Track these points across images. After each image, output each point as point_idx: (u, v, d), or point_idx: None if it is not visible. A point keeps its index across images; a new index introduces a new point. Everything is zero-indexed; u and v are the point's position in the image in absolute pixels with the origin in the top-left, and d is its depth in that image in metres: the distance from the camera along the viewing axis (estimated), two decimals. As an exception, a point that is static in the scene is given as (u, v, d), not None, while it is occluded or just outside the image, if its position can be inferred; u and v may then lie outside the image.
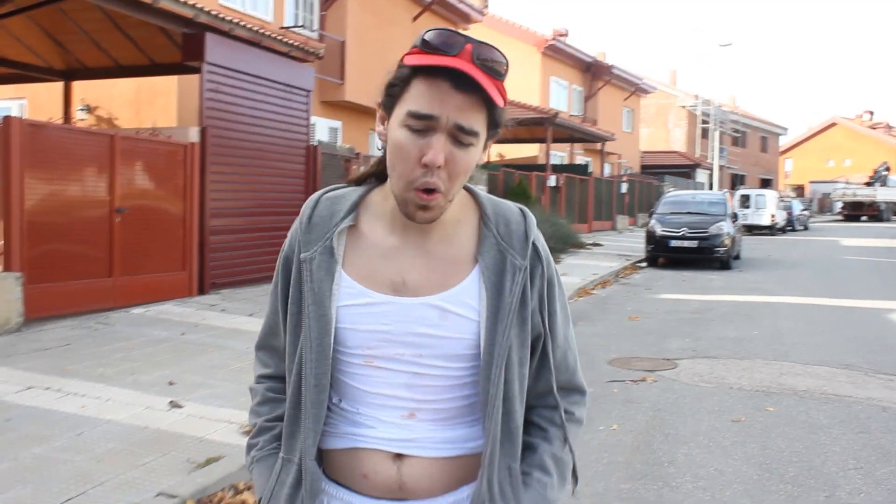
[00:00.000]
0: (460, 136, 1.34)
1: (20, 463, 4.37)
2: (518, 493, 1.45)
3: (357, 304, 1.43)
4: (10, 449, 4.57)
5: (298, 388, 1.45)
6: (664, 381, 7.17)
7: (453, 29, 1.35)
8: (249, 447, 1.59)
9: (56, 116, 14.02)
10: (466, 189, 1.50)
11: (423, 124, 1.33)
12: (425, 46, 1.34)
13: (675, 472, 4.81)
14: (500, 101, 1.36)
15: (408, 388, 1.43)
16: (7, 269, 7.84)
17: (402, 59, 1.39)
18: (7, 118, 7.84)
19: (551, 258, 1.53)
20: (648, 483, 4.60)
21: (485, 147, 1.43)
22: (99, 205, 8.99)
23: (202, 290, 10.62)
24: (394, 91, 1.38)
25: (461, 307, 1.42)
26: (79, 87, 14.88)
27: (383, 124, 1.43)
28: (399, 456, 1.43)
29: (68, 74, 14.35)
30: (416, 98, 1.34)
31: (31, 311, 8.01)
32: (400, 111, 1.36)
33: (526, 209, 1.53)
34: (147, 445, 4.73)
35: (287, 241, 1.53)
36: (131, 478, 4.21)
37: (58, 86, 14.66)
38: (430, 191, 1.35)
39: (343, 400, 1.48)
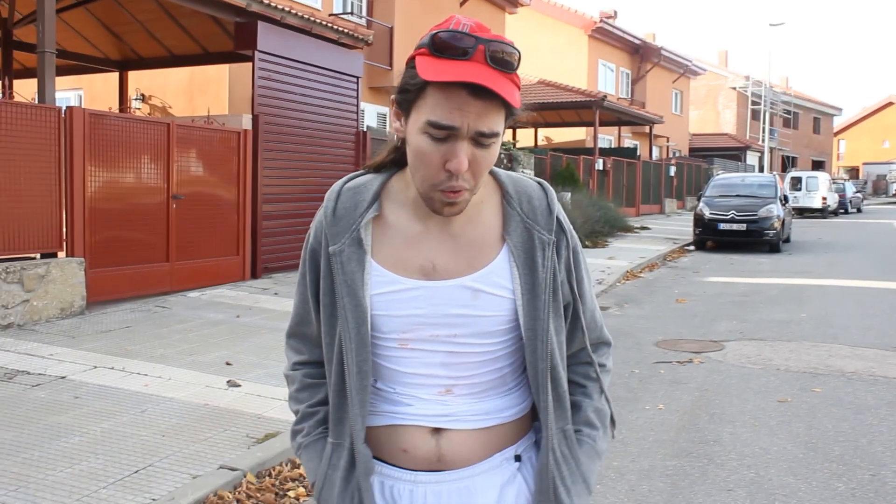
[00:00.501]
0: (482, 140, 1.35)
1: (91, 437, 4.61)
2: (575, 452, 1.53)
3: (389, 292, 1.45)
4: (80, 423, 4.83)
5: (341, 377, 1.49)
6: (711, 362, 7.22)
7: (463, 31, 1.34)
8: (294, 433, 1.62)
9: (112, 106, 14.41)
10: None
11: (443, 133, 1.33)
12: (435, 49, 1.33)
13: (720, 450, 4.89)
14: (516, 102, 1.36)
15: (444, 366, 1.47)
16: (70, 254, 8.17)
17: (411, 58, 1.38)
18: (70, 108, 8.14)
19: (571, 227, 1.57)
20: (693, 460, 4.69)
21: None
22: (156, 191, 9.28)
23: (255, 275, 10.89)
24: (408, 96, 1.38)
25: (493, 287, 1.45)
26: (133, 76, 15.28)
27: (399, 120, 1.43)
28: (437, 430, 1.47)
29: (124, 65, 14.74)
30: (434, 108, 1.33)
31: (93, 294, 8.33)
32: (418, 118, 1.36)
33: (545, 183, 1.56)
34: (208, 421, 4.95)
35: (312, 232, 1.55)
36: (194, 451, 4.43)
37: (113, 76, 15.06)
38: (455, 191, 1.38)
39: (378, 381, 1.52)
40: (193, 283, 9.77)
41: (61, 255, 8.15)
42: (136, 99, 16.20)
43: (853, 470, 4.56)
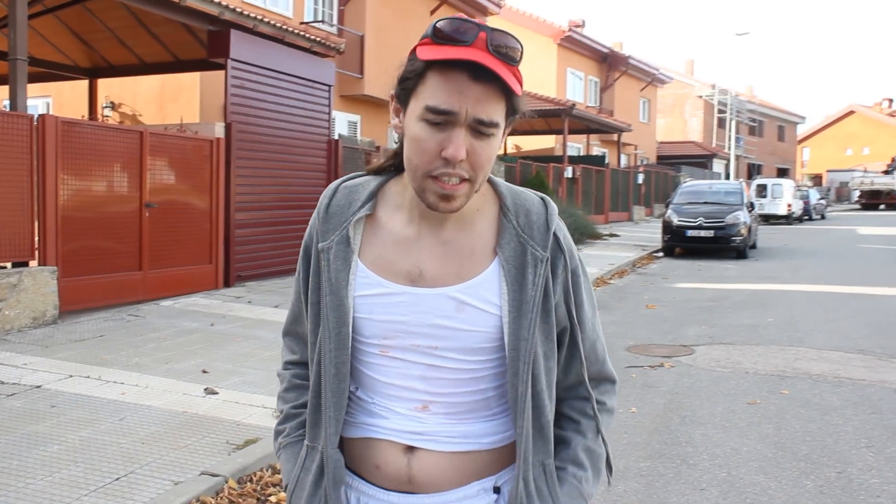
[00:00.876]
0: (480, 128, 1.31)
1: (69, 445, 4.61)
2: (554, 490, 1.43)
3: (373, 294, 1.41)
4: (58, 432, 4.83)
5: (319, 377, 1.45)
6: (681, 366, 7.36)
7: (465, 17, 1.32)
8: (277, 433, 1.60)
9: (83, 114, 14.31)
10: (487, 179, 1.47)
11: (441, 118, 1.30)
12: (437, 37, 1.31)
13: (693, 451, 5.00)
14: (518, 90, 1.33)
15: (422, 379, 1.42)
16: (42, 263, 8.12)
17: (413, 51, 1.36)
18: (43, 116, 8.10)
19: (574, 247, 1.50)
20: (667, 461, 4.80)
21: (503, 134, 1.40)
22: (129, 200, 9.25)
23: (228, 283, 10.88)
24: (408, 84, 1.35)
25: (479, 300, 1.39)
26: (103, 84, 15.17)
27: (398, 117, 1.40)
28: (410, 448, 1.42)
29: (93, 72, 14.63)
30: (433, 92, 1.30)
31: (66, 303, 8.29)
32: (416, 105, 1.33)
33: (548, 198, 1.50)
34: (187, 429, 4.97)
35: (307, 230, 1.53)
36: (174, 458, 4.45)
37: (82, 84, 14.95)
38: (453, 183, 1.33)
39: (359, 389, 1.48)
40: (166, 292, 9.74)
41: (33, 264, 8.09)
42: (105, 106, 16.08)
43: (821, 468, 4.69)
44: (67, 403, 5.42)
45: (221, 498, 4.02)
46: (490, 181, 1.48)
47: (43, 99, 17.16)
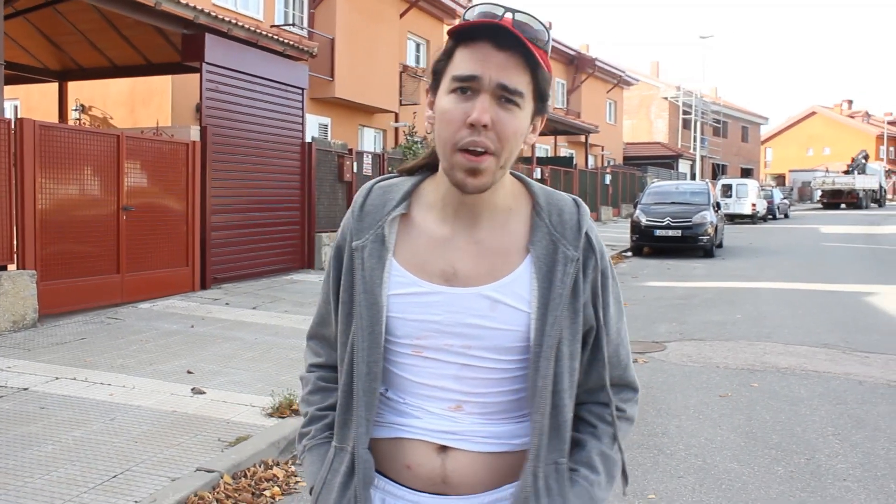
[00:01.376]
0: (505, 94, 1.33)
1: (63, 445, 4.70)
2: (564, 490, 1.41)
3: (407, 294, 1.42)
4: (51, 433, 4.90)
5: (350, 377, 1.45)
6: (654, 362, 7.58)
7: (496, 2, 1.36)
8: (301, 436, 1.59)
9: (51, 117, 14.24)
10: (519, 179, 1.51)
11: (466, 85, 1.33)
12: (466, 17, 1.36)
13: (669, 441, 5.21)
14: (541, 61, 1.35)
15: (456, 379, 1.42)
16: (21, 266, 8.14)
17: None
18: (21, 120, 8.13)
19: (605, 250, 1.50)
20: (645, 451, 4.99)
21: (533, 121, 1.43)
22: (107, 203, 9.29)
23: (204, 285, 10.94)
24: (438, 66, 1.39)
25: (512, 298, 1.40)
26: (73, 87, 15.10)
27: (431, 109, 1.42)
28: (444, 448, 1.41)
29: (63, 75, 14.58)
30: (459, 63, 1.35)
31: (45, 307, 8.31)
32: (445, 81, 1.37)
33: (580, 200, 1.50)
34: (178, 427, 5.07)
35: (339, 230, 1.53)
36: (169, 456, 4.56)
37: (51, 86, 14.88)
38: (478, 153, 1.33)
39: (390, 389, 1.47)
40: (144, 295, 9.79)
41: (12, 267, 8.11)
42: (75, 109, 16.01)
43: (790, 455, 4.92)
44: (56, 405, 5.49)
45: (218, 493, 4.14)
46: (523, 181, 1.52)
47: (10, 102, 17.01)
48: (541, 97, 1.40)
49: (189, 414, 5.35)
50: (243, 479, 4.36)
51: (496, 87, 1.32)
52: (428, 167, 1.52)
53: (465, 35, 1.35)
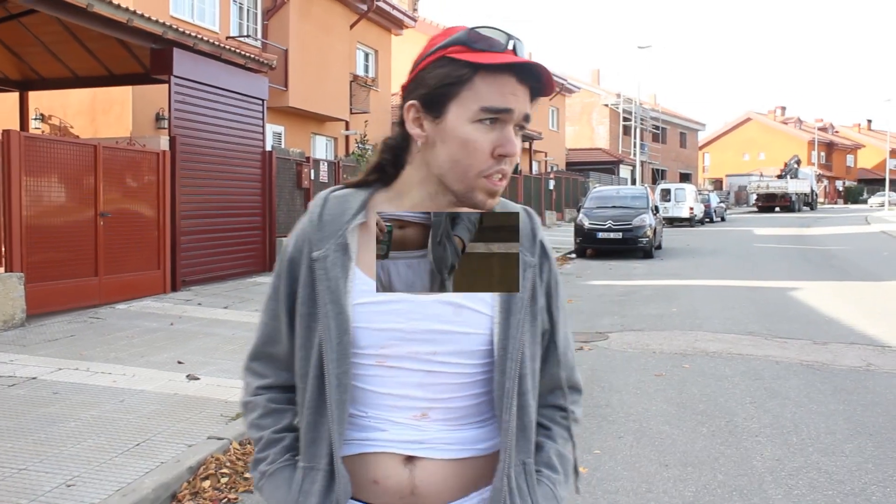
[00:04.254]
0: (523, 123, 1.38)
1: (84, 421, 5.33)
2: (533, 490, 1.45)
3: (371, 302, 1.39)
4: (70, 412, 5.52)
5: (319, 391, 1.41)
6: (598, 349, 8.43)
7: (493, 26, 1.39)
8: (257, 462, 1.52)
9: (11, 126, 14.54)
10: None
11: (497, 117, 1.35)
12: (473, 43, 1.35)
13: (611, 411, 6.04)
14: (552, 90, 1.42)
15: (420, 386, 1.40)
16: (9, 269, 8.66)
17: (440, 57, 1.37)
18: (7, 132, 8.65)
19: (555, 257, 1.55)
20: (590, 419, 5.80)
21: None
22: (86, 209, 9.83)
23: (175, 287, 11.51)
24: (449, 90, 1.36)
25: (475, 301, 1.41)
26: (33, 96, 15.40)
27: (420, 127, 1.40)
28: (410, 459, 1.40)
29: (24, 85, 14.88)
30: (487, 94, 1.34)
31: (31, 307, 8.83)
32: (466, 109, 1.35)
33: (531, 210, 1.55)
34: (183, 406, 5.73)
35: (292, 242, 1.49)
36: (181, 428, 5.22)
37: (11, 96, 15.15)
38: (503, 176, 1.39)
39: (351, 404, 1.42)
40: (120, 296, 10.33)
41: (0, 270, 8.63)
42: (35, 118, 16.32)
43: (713, 419, 5.79)
44: (67, 390, 6.09)
45: (229, 455, 4.82)
46: None
47: (-32, 111, 17.22)
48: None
49: (190, 395, 6.01)
50: (249, 445, 5.04)
51: (520, 118, 1.38)
52: (379, 180, 1.52)
53: (491, 67, 1.35)
